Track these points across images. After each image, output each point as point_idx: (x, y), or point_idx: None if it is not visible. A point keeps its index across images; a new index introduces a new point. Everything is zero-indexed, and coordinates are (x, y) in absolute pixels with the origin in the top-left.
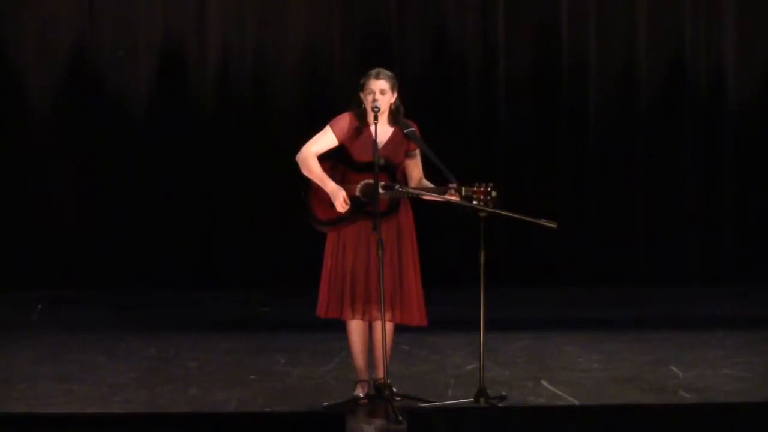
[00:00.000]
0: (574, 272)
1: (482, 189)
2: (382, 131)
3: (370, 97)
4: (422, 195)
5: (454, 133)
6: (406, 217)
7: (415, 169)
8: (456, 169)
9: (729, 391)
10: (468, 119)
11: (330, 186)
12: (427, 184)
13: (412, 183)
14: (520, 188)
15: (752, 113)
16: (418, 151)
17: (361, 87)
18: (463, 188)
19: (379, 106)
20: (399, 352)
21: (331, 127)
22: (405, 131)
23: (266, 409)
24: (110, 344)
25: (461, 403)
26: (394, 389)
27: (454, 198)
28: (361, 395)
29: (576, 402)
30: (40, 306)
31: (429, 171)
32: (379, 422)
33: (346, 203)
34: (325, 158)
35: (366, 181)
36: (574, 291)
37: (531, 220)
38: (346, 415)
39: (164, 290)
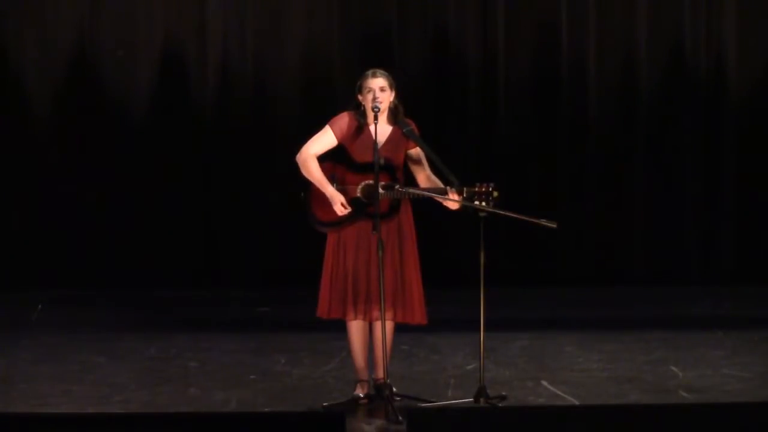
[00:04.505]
0: (574, 272)
1: (483, 189)
2: (381, 131)
3: (369, 96)
4: (423, 195)
5: (454, 133)
6: (406, 216)
7: (420, 173)
8: (456, 169)
9: (729, 391)
10: (468, 119)
11: (329, 190)
12: (436, 181)
13: (421, 185)
14: (520, 188)
15: (753, 111)
16: (419, 151)
17: (359, 88)
18: (465, 188)
19: (379, 105)
20: (399, 352)
21: (331, 127)
22: (404, 130)
23: (266, 409)
24: (110, 344)
25: (461, 403)
26: (394, 389)
27: (456, 198)
28: (361, 395)
29: (576, 402)
30: (40, 306)
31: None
32: (379, 422)
33: (345, 208)
34: (324, 159)
35: (367, 181)
36: (574, 291)
37: (531, 220)
38: (346, 415)
39: (164, 290)
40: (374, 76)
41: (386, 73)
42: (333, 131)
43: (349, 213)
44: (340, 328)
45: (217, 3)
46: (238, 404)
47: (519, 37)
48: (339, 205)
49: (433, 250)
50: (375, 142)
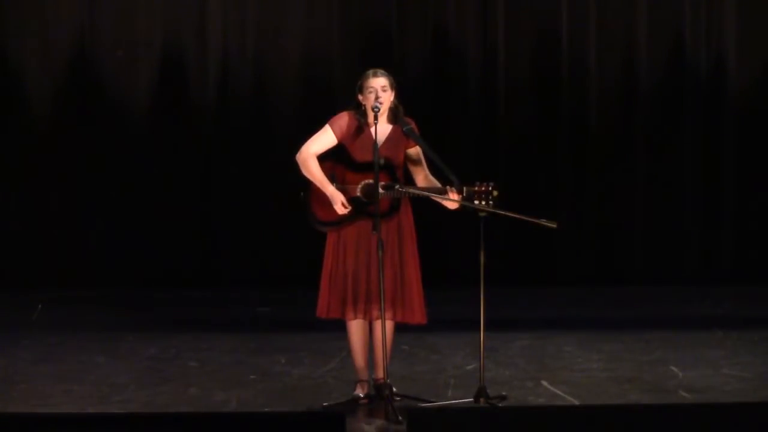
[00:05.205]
0: (574, 272)
1: (483, 188)
2: (381, 130)
3: (371, 96)
4: (423, 194)
5: (455, 132)
6: (406, 215)
7: (419, 173)
8: (456, 168)
9: (729, 391)
10: (468, 119)
11: (329, 189)
12: (434, 181)
13: (419, 185)
14: (520, 188)
15: (753, 111)
16: (418, 151)
17: (360, 88)
18: (465, 187)
19: (380, 105)
20: (399, 352)
21: (331, 126)
22: (404, 129)
23: (266, 409)
24: (110, 344)
25: (461, 403)
26: (394, 389)
27: (456, 198)
28: (361, 395)
29: (576, 402)
30: (40, 306)
31: (429, 169)
32: (379, 422)
33: (345, 207)
34: (324, 158)
35: (367, 181)
36: (574, 291)
37: (531, 220)
38: (346, 415)
39: (164, 290)
40: (375, 75)
41: (387, 73)
42: (333, 130)
43: (350, 212)
44: (340, 328)
45: (217, 3)
46: (238, 404)
47: (519, 37)
48: (339, 204)
49: (433, 250)
50: (375, 141)
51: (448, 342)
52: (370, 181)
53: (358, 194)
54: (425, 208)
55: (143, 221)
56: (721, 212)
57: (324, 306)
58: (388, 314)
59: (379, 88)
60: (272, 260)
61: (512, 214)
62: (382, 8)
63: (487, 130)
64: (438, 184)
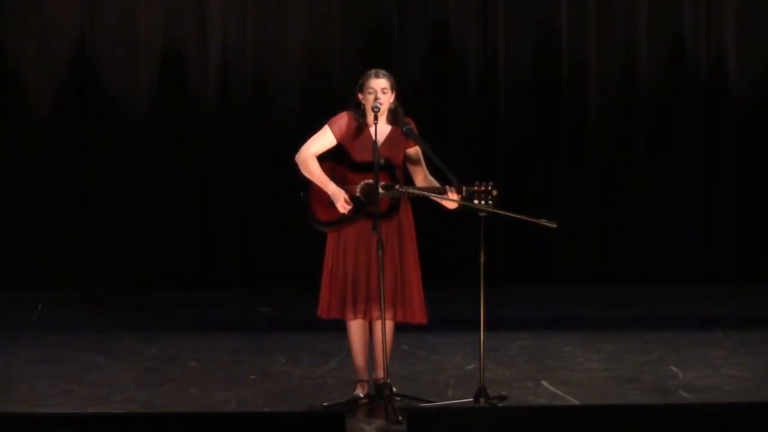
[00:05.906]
0: (574, 272)
1: (483, 188)
2: (381, 130)
3: (370, 97)
4: (423, 194)
5: (454, 132)
6: (406, 215)
7: (418, 173)
8: (456, 168)
9: (729, 391)
10: (468, 119)
11: (331, 188)
12: (433, 181)
13: (418, 185)
14: (521, 188)
15: (753, 111)
16: (418, 151)
17: (360, 87)
18: (464, 187)
19: (379, 105)
20: (399, 352)
21: (330, 127)
22: (403, 129)
23: (266, 409)
24: (110, 344)
25: (461, 403)
26: (394, 389)
27: (455, 197)
28: (361, 395)
29: (576, 402)
30: (40, 306)
31: (429, 169)
32: (379, 422)
33: (348, 204)
34: (324, 159)
35: (366, 181)
36: (574, 291)
37: (531, 219)
38: (346, 415)
39: (164, 290)
40: (377, 76)
41: (388, 74)
42: (332, 131)
43: (350, 212)
44: (340, 328)
45: (217, 3)
46: (238, 404)
47: (519, 37)
48: (342, 201)
49: (433, 250)
50: (375, 141)
51: (448, 342)
52: (370, 181)
53: (358, 194)
54: (425, 208)
55: (143, 221)
56: (721, 212)
57: (324, 306)
58: (389, 314)
59: (379, 90)
60: (272, 260)
61: (512, 214)
62: (382, 8)
63: (487, 130)
64: (437, 184)
